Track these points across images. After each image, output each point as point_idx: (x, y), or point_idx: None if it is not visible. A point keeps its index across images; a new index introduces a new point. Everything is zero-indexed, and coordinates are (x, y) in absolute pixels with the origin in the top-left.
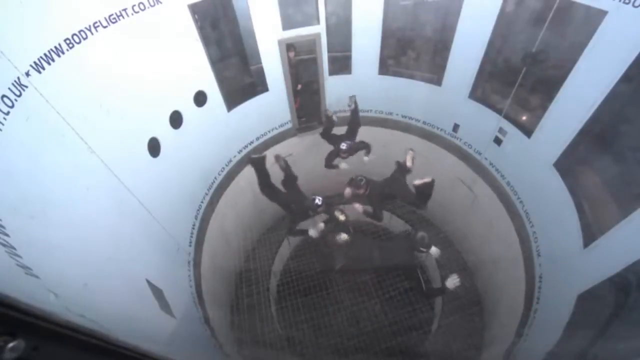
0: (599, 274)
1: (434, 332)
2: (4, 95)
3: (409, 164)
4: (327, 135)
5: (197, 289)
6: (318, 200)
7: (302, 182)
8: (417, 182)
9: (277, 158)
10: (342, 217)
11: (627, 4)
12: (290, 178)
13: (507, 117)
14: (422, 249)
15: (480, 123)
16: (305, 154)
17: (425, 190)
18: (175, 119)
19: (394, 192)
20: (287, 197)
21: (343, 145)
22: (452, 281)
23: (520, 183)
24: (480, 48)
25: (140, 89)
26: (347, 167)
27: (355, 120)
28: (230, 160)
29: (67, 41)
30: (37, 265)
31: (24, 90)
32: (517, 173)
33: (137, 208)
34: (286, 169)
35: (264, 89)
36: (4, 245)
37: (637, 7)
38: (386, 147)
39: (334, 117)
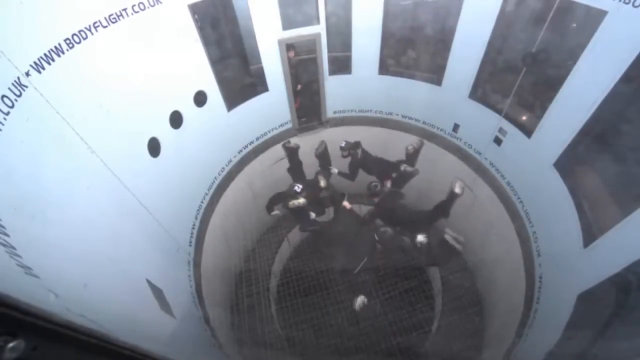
0: (599, 273)
1: (434, 332)
2: (4, 95)
3: (457, 190)
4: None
5: (197, 289)
6: (297, 188)
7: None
8: (450, 236)
9: (321, 143)
10: (322, 183)
11: (627, 4)
12: (323, 163)
13: (507, 117)
14: (377, 238)
15: (480, 123)
16: (305, 154)
17: (446, 251)
18: (175, 119)
19: (407, 223)
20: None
21: (342, 143)
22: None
23: (520, 183)
24: (480, 48)
25: (140, 89)
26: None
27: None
28: (230, 160)
29: (67, 41)
30: (37, 265)
31: (24, 90)
32: (517, 173)
33: (137, 208)
34: (321, 154)
35: (264, 89)
36: (4, 245)
37: (637, 7)
38: (386, 147)
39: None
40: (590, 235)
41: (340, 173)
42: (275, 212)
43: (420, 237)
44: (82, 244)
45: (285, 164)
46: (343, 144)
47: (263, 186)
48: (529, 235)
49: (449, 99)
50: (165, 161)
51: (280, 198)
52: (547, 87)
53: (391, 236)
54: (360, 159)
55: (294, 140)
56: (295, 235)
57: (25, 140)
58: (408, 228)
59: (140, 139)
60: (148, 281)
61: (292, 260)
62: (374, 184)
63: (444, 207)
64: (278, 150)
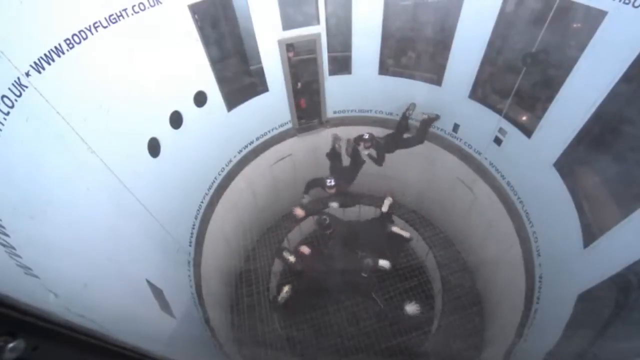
0: (599, 273)
1: (434, 332)
2: (4, 95)
3: (384, 209)
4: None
5: (197, 289)
6: (330, 182)
7: (300, 182)
8: (396, 229)
9: (336, 139)
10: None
11: (627, 4)
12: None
13: (507, 117)
14: (363, 274)
15: (480, 123)
16: (305, 154)
17: (398, 244)
18: (175, 119)
19: (364, 241)
20: (342, 170)
21: (366, 135)
22: (412, 308)
23: (520, 183)
24: (480, 48)
25: (141, 89)
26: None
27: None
28: (230, 160)
29: (67, 41)
30: (37, 265)
31: (24, 90)
32: (517, 173)
33: (137, 208)
34: (352, 152)
35: (264, 89)
36: (4, 245)
37: (637, 7)
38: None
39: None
40: (590, 235)
41: (369, 156)
42: (305, 199)
43: (383, 263)
44: (82, 244)
45: (285, 163)
46: (367, 136)
47: (263, 186)
48: (529, 235)
49: (449, 99)
50: (165, 161)
51: (317, 183)
52: (547, 87)
53: (374, 264)
54: (384, 144)
55: (283, 145)
56: (295, 235)
57: (25, 140)
58: (365, 245)
59: (140, 139)
60: (148, 281)
61: None
62: (323, 217)
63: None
64: (278, 150)
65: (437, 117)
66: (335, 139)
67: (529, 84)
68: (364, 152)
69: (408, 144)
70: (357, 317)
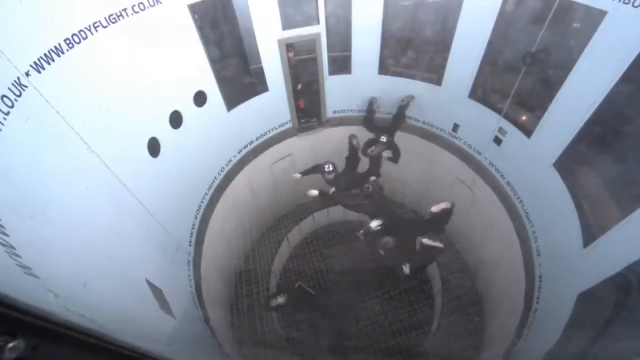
0: (599, 273)
1: (434, 332)
2: (4, 96)
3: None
4: (369, 124)
5: (197, 289)
6: (328, 167)
7: (300, 182)
8: (427, 241)
9: (352, 137)
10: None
11: (627, 4)
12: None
13: (507, 117)
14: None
15: (480, 123)
16: (305, 154)
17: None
18: (175, 119)
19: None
20: (354, 175)
21: (383, 138)
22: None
23: (520, 183)
24: (480, 48)
25: (141, 89)
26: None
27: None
28: (230, 160)
29: (67, 41)
30: (37, 265)
31: (24, 90)
32: (517, 173)
33: (137, 208)
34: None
35: (264, 89)
36: (4, 245)
37: (637, 7)
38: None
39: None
40: (590, 235)
41: (389, 158)
42: (298, 175)
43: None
44: (82, 244)
45: (285, 163)
46: (384, 139)
47: (263, 186)
48: (529, 235)
49: (449, 99)
50: (165, 161)
51: (317, 170)
52: (547, 87)
53: (394, 245)
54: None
55: (283, 145)
56: (295, 235)
57: (25, 140)
58: (399, 231)
59: (140, 139)
60: (148, 281)
61: (292, 260)
62: (367, 186)
63: (437, 224)
64: (278, 150)
65: (412, 98)
66: (352, 137)
67: (529, 84)
68: (385, 156)
69: (396, 126)
70: (357, 317)
